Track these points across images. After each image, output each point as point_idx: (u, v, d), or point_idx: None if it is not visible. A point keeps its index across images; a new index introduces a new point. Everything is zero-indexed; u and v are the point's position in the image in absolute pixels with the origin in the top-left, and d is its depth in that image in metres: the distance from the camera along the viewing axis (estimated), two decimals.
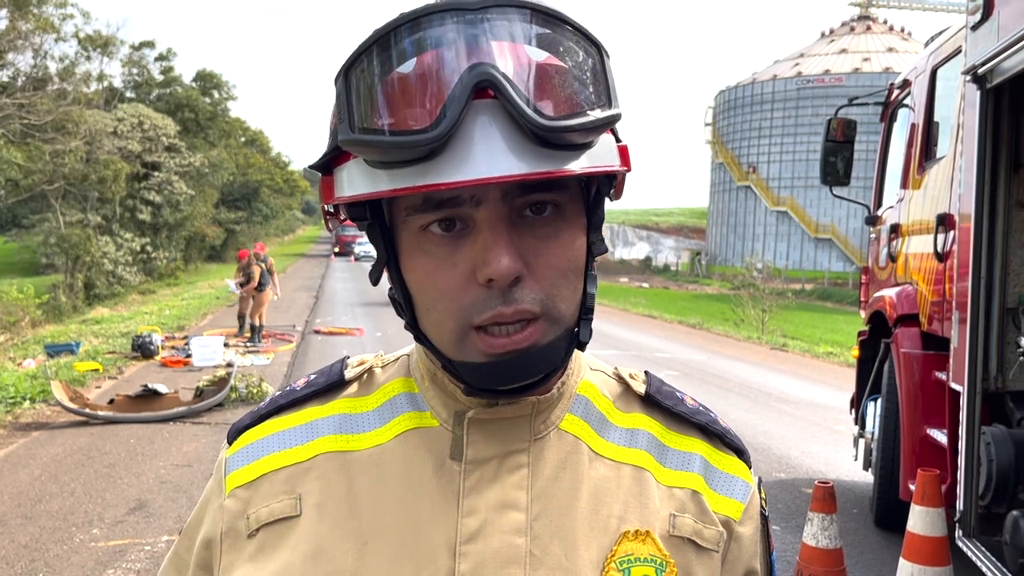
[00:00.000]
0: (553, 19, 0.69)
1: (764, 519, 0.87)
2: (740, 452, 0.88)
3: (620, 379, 0.88)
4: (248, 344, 14.56)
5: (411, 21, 0.67)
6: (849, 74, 45.51)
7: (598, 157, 0.72)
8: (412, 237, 0.73)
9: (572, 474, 0.79)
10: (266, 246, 17.21)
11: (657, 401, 0.86)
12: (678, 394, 0.88)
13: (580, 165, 0.70)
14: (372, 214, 0.76)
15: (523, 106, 0.65)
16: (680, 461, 0.84)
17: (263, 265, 15.44)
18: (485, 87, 0.65)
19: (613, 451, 0.82)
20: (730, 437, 0.87)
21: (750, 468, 0.88)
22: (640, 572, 0.76)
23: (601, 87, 0.70)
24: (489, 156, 0.66)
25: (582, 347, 0.79)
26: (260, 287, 15.03)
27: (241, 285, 15.12)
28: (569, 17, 0.69)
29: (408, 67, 0.67)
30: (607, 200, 0.80)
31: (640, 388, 0.86)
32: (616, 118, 0.71)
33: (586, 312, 0.77)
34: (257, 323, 14.96)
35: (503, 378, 0.73)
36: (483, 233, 0.70)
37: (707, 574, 0.80)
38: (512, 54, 0.67)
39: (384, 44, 0.67)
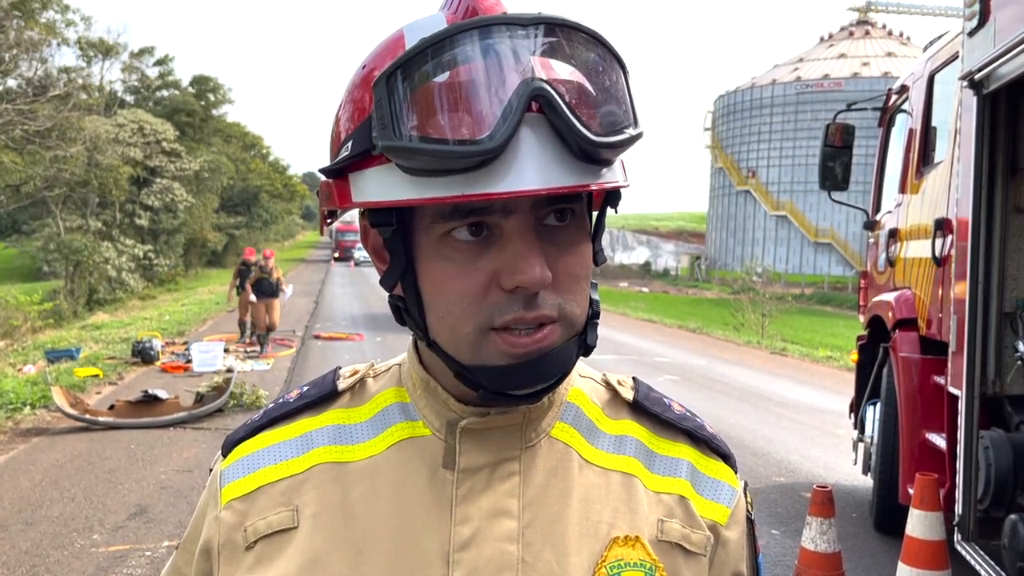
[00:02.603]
0: (593, 39, 0.71)
1: (750, 523, 0.89)
2: (726, 457, 0.89)
3: (609, 386, 0.89)
4: (252, 350, 14.55)
5: (464, 31, 0.67)
6: (848, 79, 45.55)
7: (615, 171, 0.76)
8: (432, 243, 0.74)
9: (563, 481, 0.80)
10: (255, 250, 17.10)
11: (645, 408, 0.87)
12: (665, 400, 0.90)
13: (606, 178, 0.73)
14: (397, 219, 0.75)
15: (574, 122, 0.67)
16: (668, 467, 0.85)
17: (256, 269, 15.37)
18: (537, 101, 0.67)
19: (602, 458, 0.83)
20: (716, 442, 0.89)
21: (736, 473, 0.89)
22: None
23: (630, 106, 0.73)
24: (536, 169, 0.67)
25: (589, 351, 0.80)
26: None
27: (261, 288, 14.64)
28: (605, 37, 0.72)
29: (459, 77, 0.67)
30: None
31: (628, 395, 0.88)
32: (641, 136, 0.74)
33: (593, 317, 0.79)
34: (264, 330, 14.53)
35: (521, 381, 0.74)
36: (513, 242, 0.72)
37: None
38: (560, 70, 0.69)
39: (436, 52, 0.67)
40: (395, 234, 0.75)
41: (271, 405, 0.89)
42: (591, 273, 0.79)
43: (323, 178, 0.79)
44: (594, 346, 0.79)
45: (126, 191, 33.50)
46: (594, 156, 0.70)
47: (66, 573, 4.73)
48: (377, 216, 0.75)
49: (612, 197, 0.81)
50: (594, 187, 0.72)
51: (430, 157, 0.66)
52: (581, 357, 0.80)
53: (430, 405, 0.82)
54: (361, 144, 0.72)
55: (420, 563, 0.76)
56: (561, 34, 0.70)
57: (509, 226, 0.72)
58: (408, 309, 0.78)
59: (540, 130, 0.68)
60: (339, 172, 0.76)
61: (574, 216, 0.75)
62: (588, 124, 0.68)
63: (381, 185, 0.72)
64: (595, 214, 0.82)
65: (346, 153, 0.74)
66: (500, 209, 0.71)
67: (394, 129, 0.67)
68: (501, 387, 0.75)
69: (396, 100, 0.67)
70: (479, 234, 0.72)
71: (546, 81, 0.67)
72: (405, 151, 0.67)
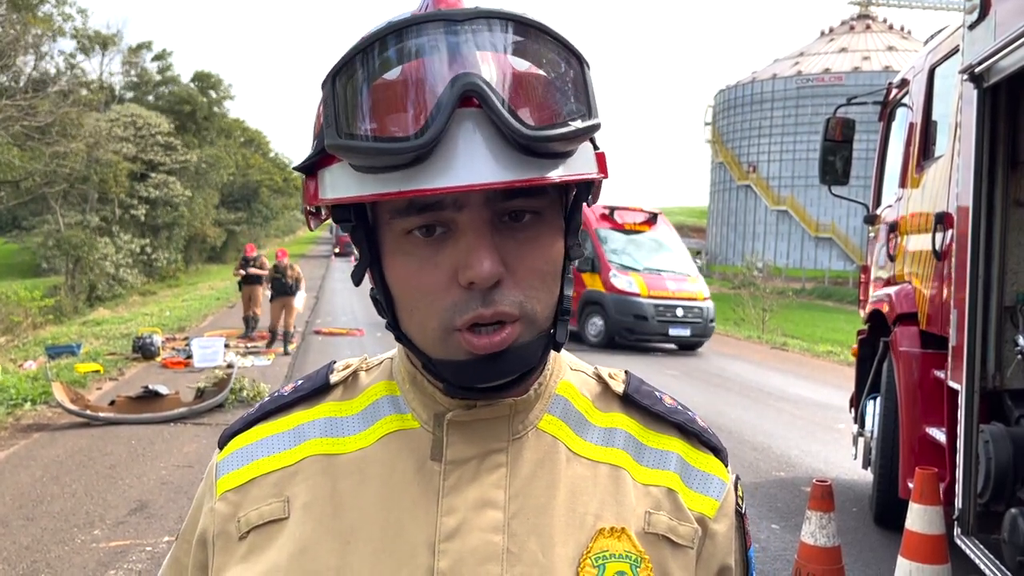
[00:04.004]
0: (536, 30, 0.71)
1: (740, 516, 0.89)
2: (717, 451, 0.89)
3: (600, 379, 0.90)
4: (253, 346, 14.55)
5: (399, 29, 0.68)
6: (849, 73, 45.47)
7: (577, 165, 0.74)
8: (395, 239, 0.75)
9: (549, 473, 0.81)
10: (255, 247, 16.99)
11: (635, 400, 0.87)
12: (656, 393, 0.90)
13: (559, 173, 0.72)
14: (356, 216, 0.77)
15: (507, 116, 0.67)
16: (657, 459, 0.85)
17: (272, 269, 15.23)
18: (470, 96, 0.67)
19: (591, 450, 0.84)
20: (707, 436, 0.89)
21: (727, 467, 0.89)
22: (615, 568, 0.78)
23: (581, 97, 0.72)
24: (473, 164, 0.67)
25: (558, 348, 0.81)
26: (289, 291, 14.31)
27: (284, 288, 14.14)
28: (552, 28, 0.71)
29: (395, 74, 0.68)
30: (585, 205, 0.82)
31: (619, 387, 0.88)
32: (595, 128, 0.73)
33: (563, 314, 0.79)
34: (281, 329, 14.10)
35: (481, 376, 0.75)
36: (466, 236, 0.72)
37: (682, 570, 0.81)
38: (496, 64, 0.69)
39: (372, 51, 0.69)
40: (356, 230, 0.77)
41: (266, 399, 0.91)
42: (560, 269, 0.78)
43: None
44: (563, 343, 0.80)
45: (126, 187, 33.49)
46: (536, 150, 0.69)
47: (67, 568, 4.74)
48: (336, 212, 0.77)
49: (585, 190, 0.80)
50: (538, 182, 0.70)
51: (362, 154, 0.68)
52: (565, 351, 0.80)
53: (418, 398, 0.83)
54: (320, 142, 0.73)
55: (406, 553, 0.77)
56: (501, 27, 0.69)
57: (463, 220, 0.72)
58: (381, 302, 0.80)
59: (483, 125, 0.68)
60: (311, 168, 0.77)
61: (536, 213, 0.75)
62: (523, 117, 0.68)
63: (336, 182, 0.74)
64: (570, 204, 0.81)
65: (312, 151, 0.76)
66: (452, 204, 0.72)
67: (337, 128, 0.69)
68: (462, 381, 0.76)
69: (338, 99, 0.69)
70: (432, 234, 0.73)
71: (478, 75, 0.67)
72: (343, 149, 0.69)
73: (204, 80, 47.57)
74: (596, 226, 15.71)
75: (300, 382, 0.90)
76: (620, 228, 15.99)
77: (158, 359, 12.82)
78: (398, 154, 0.67)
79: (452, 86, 0.66)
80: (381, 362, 0.89)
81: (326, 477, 0.81)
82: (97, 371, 11.54)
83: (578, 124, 0.71)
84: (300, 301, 14.33)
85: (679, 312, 15.01)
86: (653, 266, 15.61)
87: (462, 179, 0.67)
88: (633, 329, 14.89)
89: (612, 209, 16.05)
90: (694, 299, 15.24)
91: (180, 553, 0.89)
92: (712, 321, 15.55)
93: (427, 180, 0.68)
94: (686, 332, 15.07)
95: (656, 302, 14.90)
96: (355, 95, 0.69)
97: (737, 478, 0.90)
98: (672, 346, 15.72)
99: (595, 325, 15.34)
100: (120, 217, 34.58)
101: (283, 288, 14.23)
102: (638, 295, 14.90)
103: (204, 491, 0.87)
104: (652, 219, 16.46)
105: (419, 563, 0.76)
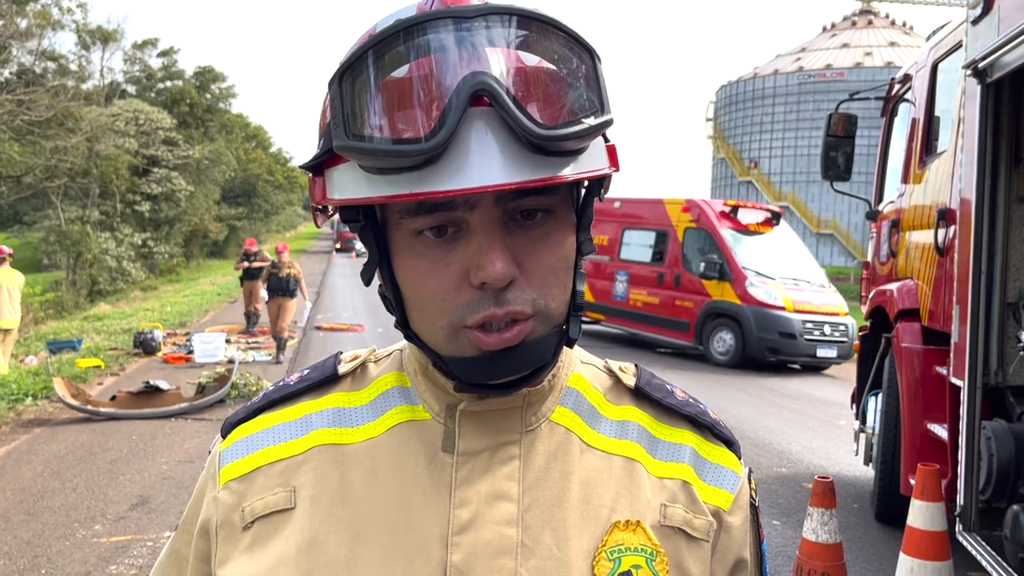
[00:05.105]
0: (547, 25, 0.69)
1: (754, 509, 0.88)
2: (730, 443, 0.89)
3: (610, 372, 0.89)
4: (254, 342, 14.55)
5: (407, 28, 0.67)
6: (851, 68, 45.39)
7: (589, 161, 0.73)
8: (405, 239, 0.74)
9: (563, 465, 0.80)
10: (256, 241, 16.91)
11: (647, 394, 0.87)
12: (668, 387, 0.89)
13: (572, 170, 0.71)
14: (365, 215, 0.76)
15: (519, 115, 0.66)
16: (670, 452, 0.85)
17: (269, 265, 15.00)
18: (481, 95, 0.65)
19: (604, 442, 0.83)
20: (719, 428, 0.88)
21: (740, 459, 0.89)
22: (630, 561, 0.77)
23: (594, 93, 0.71)
24: (485, 164, 0.66)
25: (571, 344, 0.80)
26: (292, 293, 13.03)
27: (281, 288, 12.86)
28: (562, 23, 0.70)
29: (404, 74, 0.67)
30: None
31: (630, 381, 0.87)
32: (609, 124, 0.71)
33: (575, 309, 0.78)
34: (278, 332, 12.73)
35: (492, 372, 0.75)
36: (477, 236, 0.71)
37: (697, 563, 0.81)
38: (507, 61, 0.67)
39: (380, 50, 0.67)
40: (364, 230, 0.76)
41: (271, 388, 0.89)
42: (572, 265, 0.77)
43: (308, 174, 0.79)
44: (576, 339, 0.79)
45: (127, 180, 33.47)
46: (548, 148, 0.67)
47: (68, 563, 4.74)
48: (345, 212, 0.76)
49: (596, 185, 0.79)
50: (552, 181, 0.69)
51: (371, 156, 0.67)
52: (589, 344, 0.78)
53: (430, 389, 0.82)
54: (328, 142, 0.72)
55: (418, 546, 0.76)
56: (512, 23, 0.68)
57: (474, 220, 0.71)
58: (391, 301, 0.79)
59: (495, 124, 0.66)
60: (318, 167, 0.76)
61: (548, 210, 0.74)
62: (534, 116, 0.67)
63: (344, 182, 0.72)
64: (581, 199, 0.80)
65: (318, 150, 0.75)
66: (463, 203, 0.70)
67: (345, 129, 0.68)
68: (474, 378, 0.75)
69: (345, 100, 0.68)
70: (443, 235, 0.72)
71: (488, 74, 0.65)
72: (352, 151, 0.68)
73: (206, 75, 47.53)
74: (720, 227, 13.62)
75: (306, 372, 0.89)
76: (744, 229, 13.81)
77: (159, 355, 12.83)
78: (409, 156, 0.65)
79: (463, 85, 0.65)
80: (390, 353, 0.89)
81: (335, 467, 0.80)
82: (98, 366, 11.55)
83: (591, 121, 0.70)
84: (305, 312, 13.90)
85: (827, 330, 12.98)
86: (788, 274, 13.50)
87: (474, 180, 0.66)
88: (778, 348, 12.85)
89: (735, 207, 13.95)
90: (836, 314, 13.26)
91: (180, 544, 0.88)
92: (855, 340, 13.77)
93: (439, 182, 0.66)
94: (833, 353, 13.02)
95: (804, 317, 12.83)
96: (363, 95, 0.67)
97: (750, 471, 0.90)
98: (796, 365, 13.61)
99: (723, 341, 13.31)
100: (122, 212, 34.55)
101: (280, 286, 12.83)
102: (783, 309, 12.83)
103: (206, 480, 0.86)
104: (774, 219, 14.33)
105: (431, 556, 0.75)
